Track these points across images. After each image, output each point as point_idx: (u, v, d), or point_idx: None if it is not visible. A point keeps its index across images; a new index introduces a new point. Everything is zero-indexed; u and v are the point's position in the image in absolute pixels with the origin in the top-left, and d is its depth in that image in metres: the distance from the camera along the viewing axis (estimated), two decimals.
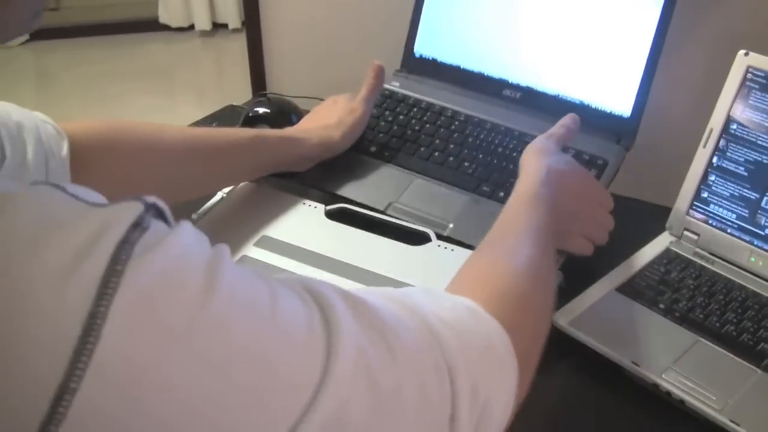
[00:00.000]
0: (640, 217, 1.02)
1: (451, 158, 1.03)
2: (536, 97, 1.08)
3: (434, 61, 1.16)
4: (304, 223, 0.98)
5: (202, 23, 4.00)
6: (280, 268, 0.91)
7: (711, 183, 0.93)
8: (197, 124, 1.29)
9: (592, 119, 1.01)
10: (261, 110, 1.16)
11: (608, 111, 1.03)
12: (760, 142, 0.88)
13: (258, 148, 0.96)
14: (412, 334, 0.49)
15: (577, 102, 1.05)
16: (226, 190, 1.04)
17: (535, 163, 0.81)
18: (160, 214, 0.41)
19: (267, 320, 0.41)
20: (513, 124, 1.06)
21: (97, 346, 0.35)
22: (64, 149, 0.77)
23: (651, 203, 1.02)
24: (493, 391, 0.52)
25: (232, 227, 0.98)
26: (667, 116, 1.06)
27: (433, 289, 0.60)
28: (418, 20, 1.17)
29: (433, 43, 1.16)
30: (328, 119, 1.04)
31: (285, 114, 1.16)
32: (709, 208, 0.93)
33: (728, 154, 0.91)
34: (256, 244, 0.95)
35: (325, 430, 0.41)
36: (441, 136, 1.07)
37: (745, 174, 0.90)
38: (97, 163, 0.82)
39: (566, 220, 0.81)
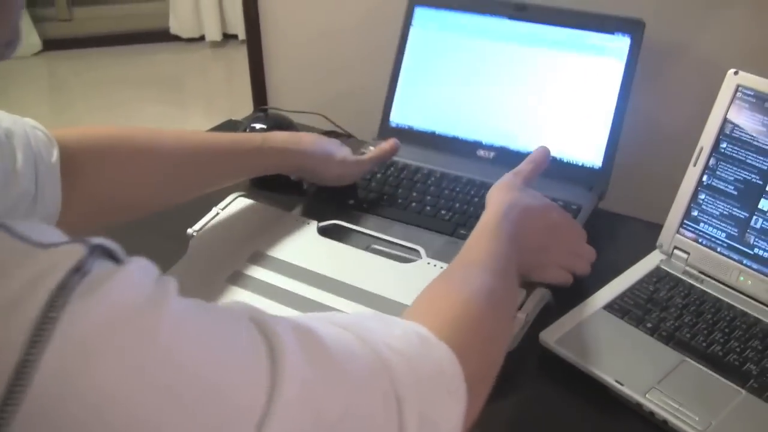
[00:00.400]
0: (634, 235, 1.02)
1: (428, 208, 1.06)
2: (510, 155, 1.11)
3: (410, 129, 1.20)
4: (297, 239, 0.98)
5: (213, 34, 4.02)
6: (272, 284, 0.91)
7: (701, 202, 0.93)
8: None
9: (565, 171, 1.07)
10: (258, 126, 1.17)
11: (580, 164, 1.08)
12: (749, 161, 0.88)
13: (252, 154, 0.98)
14: (361, 363, 0.49)
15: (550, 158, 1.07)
16: (221, 205, 1.05)
17: (497, 198, 0.83)
18: (109, 253, 0.41)
19: (213, 351, 0.41)
20: (488, 178, 1.07)
21: (27, 394, 0.35)
22: (54, 155, 0.78)
23: (645, 221, 1.02)
24: (441, 417, 0.52)
25: (226, 243, 0.98)
26: (661, 132, 1.07)
27: (385, 315, 0.60)
28: (393, 93, 1.21)
29: (407, 112, 1.21)
30: (337, 147, 1.04)
31: (282, 129, 1.16)
32: (699, 227, 0.93)
33: (718, 172, 0.91)
34: (249, 260, 0.95)
35: None
36: (418, 190, 1.10)
37: (735, 193, 0.90)
38: (91, 167, 0.83)
39: (535, 253, 0.83)
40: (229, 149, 0.96)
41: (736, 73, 0.90)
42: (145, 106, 3.37)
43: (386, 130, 1.22)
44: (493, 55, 1.14)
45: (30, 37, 3.93)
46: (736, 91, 0.90)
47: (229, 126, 1.30)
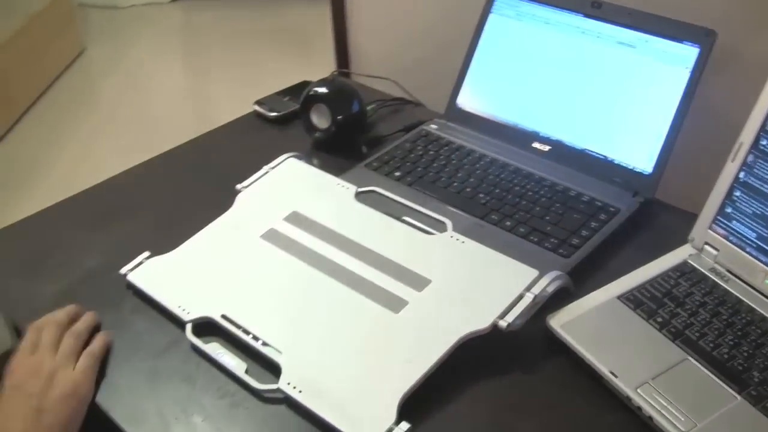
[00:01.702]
0: (673, 225, 1.01)
1: (468, 189, 1.08)
2: (564, 150, 1.13)
3: (474, 112, 1.22)
4: (334, 202, 1.01)
5: None
6: (301, 243, 0.95)
7: (735, 199, 0.90)
8: (274, 96, 1.36)
9: (613, 172, 1.08)
10: (321, 90, 1.20)
11: (630, 167, 1.08)
12: None
13: None
14: None
15: (602, 157, 1.10)
16: (272, 164, 1.09)
17: None
18: None
19: None
20: (536, 170, 1.11)
21: None
22: None
23: (690, 212, 1.00)
24: None
25: (268, 200, 1.03)
26: (719, 127, 1.03)
27: None
28: (464, 75, 1.23)
29: (474, 95, 1.23)
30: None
31: (343, 97, 1.20)
32: (731, 224, 0.91)
33: (755, 170, 0.88)
34: (286, 219, 0.99)
35: None
36: (465, 171, 1.13)
37: None
38: None
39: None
40: None
41: None
42: (271, 55, 3.46)
43: (453, 109, 1.24)
44: (563, 49, 1.14)
45: None
46: None
47: (303, 87, 1.34)
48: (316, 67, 1.54)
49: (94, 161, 2.69)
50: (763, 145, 0.87)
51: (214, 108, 3.09)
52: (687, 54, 1.03)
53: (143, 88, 3.23)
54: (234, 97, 3.06)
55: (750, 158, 0.89)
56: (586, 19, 1.11)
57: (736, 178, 0.90)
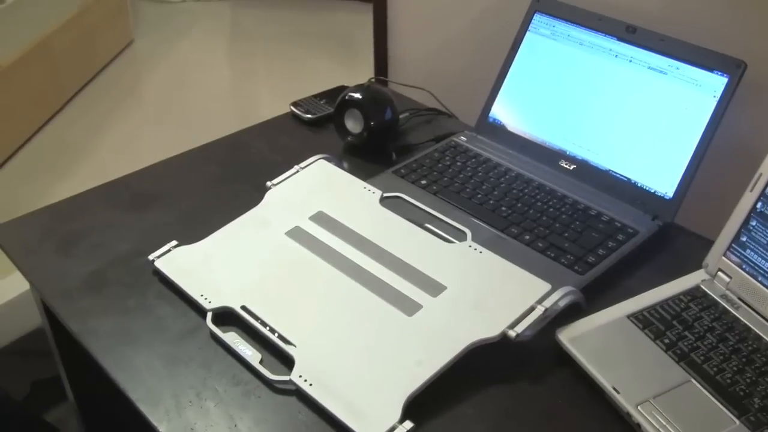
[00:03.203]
0: (690, 250, 1.02)
1: (491, 201, 1.11)
2: (588, 170, 1.16)
3: (504, 126, 1.25)
4: (360, 205, 1.04)
5: None
6: (324, 242, 0.98)
7: (751, 228, 0.92)
8: (310, 98, 1.39)
9: (634, 194, 1.11)
10: (356, 95, 1.23)
11: (652, 190, 1.10)
12: None
13: None
14: None
15: (625, 178, 1.12)
16: (303, 164, 1.12)
17: None
18: None
19: None
20: (560, 187, 1.14)
21: None
22: None
23: (707, 239, 1.01)
24: None
25: (296, 198, 1.06)
26: (745, 157, 1.05)
27: None
28: (498, 90, 1.26)
29: (506, 110, 1.25)
30: None
31: (378, 104, 1.23)
32: (745, 253, 0.92)
33: None
34: (311, 218, 1.02)
35: None
36: (490, 183, 1.15)
37: None
38: None
39: None
40: None
41: None
42: (315, 58, 3.50)
43: (484, 123, 1.27)
44: (594, 70, 1.16)
45: None
46: None
47: (339, 91, 1.37)
48: (359, 72, 1.57)
49: (135, 150, 2.75)
50: None
51: (255, 106, 3.14)
52: (715, 83, 1.04)
53: (187, 83, 3.29)
54: (276, 96, 3.11)
55: None
56: (620, 42, 1.13)
57: (754, 207, 0.92)
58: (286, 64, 3.46)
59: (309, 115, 1.35)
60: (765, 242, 0.90)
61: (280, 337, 0.86)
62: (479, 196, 1.11)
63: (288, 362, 0.84)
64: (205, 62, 3.50)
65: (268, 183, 1.09)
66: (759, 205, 0.91)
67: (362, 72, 1.59)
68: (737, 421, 0.77)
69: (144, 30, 3.78)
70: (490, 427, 0.80)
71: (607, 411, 0.81)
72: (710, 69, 1.05)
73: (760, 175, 0.91)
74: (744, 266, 0.92)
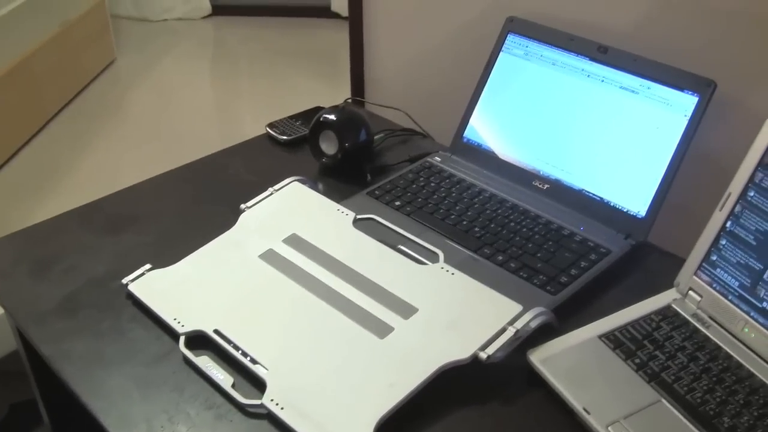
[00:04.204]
0: (662, 269, 1.02)
1: (465, 222, 1.11)
2: (562, 189, 1.16)
3: (478, 146, 1.25)
4: (333, 227, 1.04)
5: None
6: (297, 265, 0.98)
7: (721, 247, 0.92)
8: (286, 120, 1.39)
9: (607, 213, 1.11)
10: (330, 117, 1.23)
11: (625, 209, 1.10)
12: None
13: None
14: None
15: (598, 198, 1.12)
16: (277, 186, 1.12)
17: None
18: None
19: None
20: (533, 207, 1.14)
21: None
22: None
23: (681, 258, 1.02)
24: None
25: (270, 221, 1.06)
26: (716, 176, 1.05)
27: None
28: (472, 111, 1.27)
29: (480, 130, 1.26)
30: None
31: (352, 125, 1.24)
32: (715, 272, 0.93)
33: (741, 220, 0.90)
34: (285, 241, 1.02)
35: None
36: (463, 204, 1.16)
37: (754, 243, 0.89)
38: None
39: None
40: None
41: None
42: (299, 76, 3.51)
43: (458, 143, 1.28)
44: (567, 90, 1.17)
45: (201, 1, 4.15)
46: None
47: (315, 112, 1.37)
48: (342, 90, 1.58)
49: (115, 170, 2.75)
50: (751, 197, 0.90)
51: (238, 125, 3.14)
52: (686, 102, 1.05)
53: (170, 102, 3.29)
54: (259, 115, 3.11)
55: (737, 208, 0.91)
56: (592, 62, 1.14)
57: (723, 227, 0.92)
58: (269, 83, 3.47)
59: (285, 137, 1.35)
60: (735, 261, 0.90)
61: (252, 360, 0.86)
62: (453, 216, 1.12)
63: (260, 385, 0.84)
64: (187, 81, 3.50)
65: (242, 206, 1.10)
66: (729, 224, 0.92)
67: (346, 90, 1.60)
68: None
69: (126, 49, 3.78)
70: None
71: (578, 431, 0.81)
72: (681, 88, 1.06)
73: (729, 194, 0.92)
74: (714, 285, 0.93)
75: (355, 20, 1.51)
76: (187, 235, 1.08)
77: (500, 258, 1.03)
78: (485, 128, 1.25)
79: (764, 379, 0.84)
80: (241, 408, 0.83)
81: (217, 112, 3.26)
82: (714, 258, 0.93)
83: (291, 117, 1.41)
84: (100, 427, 0.82)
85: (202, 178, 1.26)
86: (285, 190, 1.12)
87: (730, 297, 0.91)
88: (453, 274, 0.96)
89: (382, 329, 0.88)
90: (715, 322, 0.92)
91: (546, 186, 1.17)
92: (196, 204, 1.18)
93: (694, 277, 0.95)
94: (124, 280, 0.99)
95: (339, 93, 1.52)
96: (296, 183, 1.13)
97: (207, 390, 0.86)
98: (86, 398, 0.85)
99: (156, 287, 0.97)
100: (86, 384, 0.86)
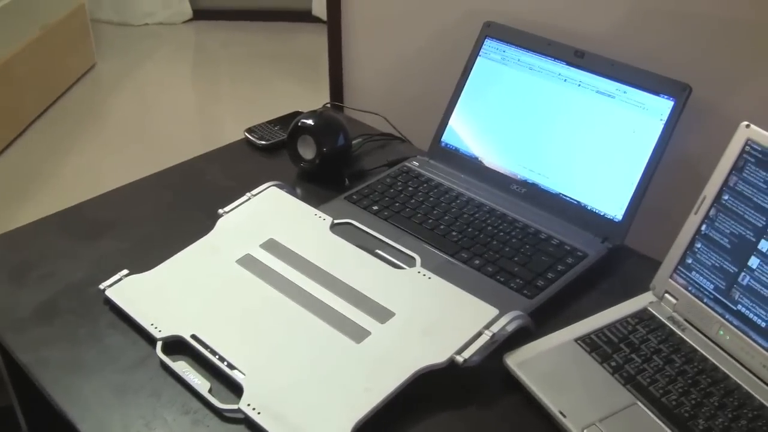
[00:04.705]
0: (639, 273, 1.03)
1: (442, 226, 1.12)
2: (539, 193, 1.17)
3: (456, 150, 1.26)
4: (310, 232, 1.04)
5: None
6: (275, 270, 0.98)
7: (696, 250, 0.93)
8: (265, 124, 1.39)
9: (584, 217, 1.12)
10: (308, 122, 1.23)
11: (601, 213, 1.11)
12: (747, 217, 0.88)
13: None
14: None
15: (575, 202, 1.13)
16: (255, 191, 1.12)
17: None
18: None
19: None
20: (510, 211, 1.14)
21: None
22: None
23: (657, 261, 1.02)
24: None
25: (247, 226, 1.06)
26: (692, 181, 1.06)
27: None
28: (450, 115, 1.27)
29: (458, 135, 1.26)
30: None
31: (330, 130, 1.24)
32: (690, 275, 0.93)
33: (716, 224, 0.91)
34: (262, 246, 1.02)
35: None
36: (441, 209, 1.16)
37: (728, 246, 0.90)
38: None
39: None
40: None
41: (747, 126, 0.90)
42: (280, 80, 3.52)
43: (436, 147, 1.28)
44: (544, 95, 1.17)
45: (182, 5, 4.15)
46: (746, 144, 0.90)
47: (293, 117, 1.38)
48: (323, 94, 1.58)
49: (96, 174, 2.74)
50: (725, 200, 0.90)
51: (219, 129, 3.14)
52: (662, 107, 1.06)
53: (150, 106, 3.28)
54: (240, 119, 3.11)
55: (712, 212, 0.91)
56: (569, 67, 1.15)
57: (698, 230, 0.93)
58: (250, 87, 3.47)
59: (263, 142, 1.35)
60: (710, 264, 0.91)
61: (230, 365, 0.86)
62: (430, 221, 1.12)
63: (237, 390, 0.84)
64: (168, 85, 3.49)
65: (220, 210, 1.09)
66: (704, 227, 0.92)
67: (325, 95, 1.60)
68: None
69: (107, 53, 3.77)
70: None
71: None
72: (657, 93, 1.07)
73: (704, 197, 0.93)
74: (690, 288, 0.93)
75: (334, 25, 1.51)
76: (164, 240, 1.08)
77: (477, 262, 1.03)
78: (463, 133, 1.25)
79: (739, 382, 0.85)
80: (218, 413, 0.83)
81: (197, 116, 3.26)
82: (689, 261, 0.94)
83: (269, 122, 1.41)
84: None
85: (180, 183, 1.25)
86: (263, 195, 1.12)
87: (705, 300, 0.91)
88: (430, 278, 0.96)
89: (358, 333, 0.88)
90: (691, 324, 0.93)
91: (523, 190, 1.17)
92: (173, 209, 1.18)
93: (670, 281, 0.95)
94: (102, 286, 0.99)
95: (319, 97, 1.52)
96: (274, 188, 1.13)
97: (184, 395, 0.85)
98: (63, 405, 0.84)
99: (133, 292, 0.97)
100: (63, 391, 0.86)
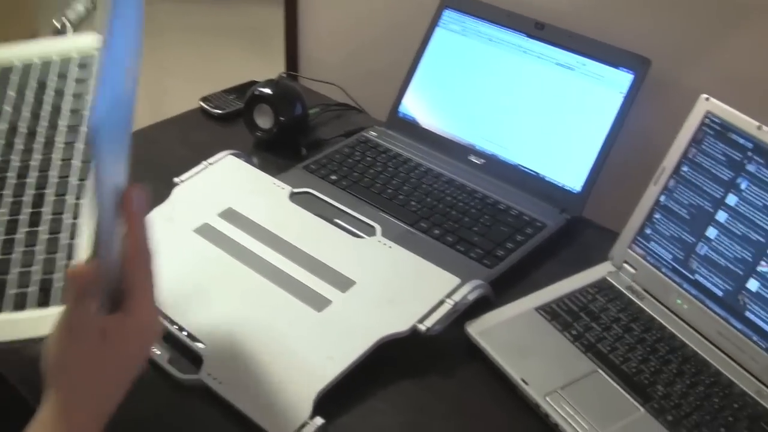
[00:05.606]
0: (597, 244, 1.04)
1: (401, 196, 1.11)
2: (497, 164, 1.17)
3: (414, 121, 1.25)
4: (269, 201, 1.03)
5: None
6: (234, 240, 0.96)
7: (655, 221, 0.94)
8: (220, 93, 1.37)
9: (543, 188, 1.12)
10: (265, 91, 1.21)
11: (560, 184, 1.11)
12: (705, 188, 0.89)
13: None
14: None
15: (533, 173, 1.13)
16: (211, 159, 1.10)
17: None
18: None
19: None
20: (469, 182, 1.14)
21: None
22: None
23: (614, 232, 1.03)
24: None
25: (204, 195, 1.04)
26: (649, 152, 1.07)
27: None
28: (408, 85, 1.26)
29: (417, 105, 1.25)
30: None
31: (287, 99, 1.22)
32: (649, 245, 0.94)
33: (675, 194, 0.92)
34: (220, 215, 1.01)
35: None
36: (399, 179, 1.15)
37: (687, 217, 0.91)
38: None
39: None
40: None
41: (707, 98, 0.90)
42: (230, 52, 3.47)
43: (394, 118, 1.27)
44: (504, 66, 1.17)
45: None
46: (705, 116, 0.90)
47: (249, 86, 1.35)
48: (274, 65, 1.56)
49: None
50: (684, 171, 0.91)
51: (167, 101, 3.08)
52: (622, 79, 1.07)
53: None
54: (189, 90, 3.05)
55: (671, 183, 0.92)
56: (529, 39, 1.14)
57: (657, 201, 0.94)
58: (200, 58, 3.41)
59: (219, 111, 1.33)
60: (668, 234, 0.92)
61: (189, 335, 0.84)
62: (389, 191, 1.11)
63: (197, 361, 0.82)
64: None
65: (176, 179, 1.07)
66: (662, 198, 0.93)
67: (277, 65, 1.57)
68: (642, 409, 0.79)
69: (50, 22, 3.67)
70: (401, 422, 0.80)
71: (517, 403, 0.82)
72: (616, 65, 1.07)
73: (664, 168, 0.93)
74: (648, 258, 0.94)
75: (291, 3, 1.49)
76: None
77: (437, 232, 1.03)
78: (421, 103, 1.24)
79: (696, 349, 0.86)
80: (177, 383, 0.81)
81: (146, 87, 3.18)
82: (648, 231, 0.94)
83: (225, 91, 1.39)
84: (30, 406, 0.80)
85: (133, 152, 1.22)
86: (220, 163, 1.10)
87: (663, 269, 0.92)
88: (390, 247, 0.95)
89: (319, 302, 0.88)
90: (649, 294, 0.93)
91: (482, 161, 1.17)
92: (128, 178, 1.15)
93: (629, 251, 0.96)
94: None
95: (273, 68, 1.50)
96: (231, 157, 1.11)
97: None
98: (16, 382, 0.82)
99: None
100: (19, 366, 0.83)
